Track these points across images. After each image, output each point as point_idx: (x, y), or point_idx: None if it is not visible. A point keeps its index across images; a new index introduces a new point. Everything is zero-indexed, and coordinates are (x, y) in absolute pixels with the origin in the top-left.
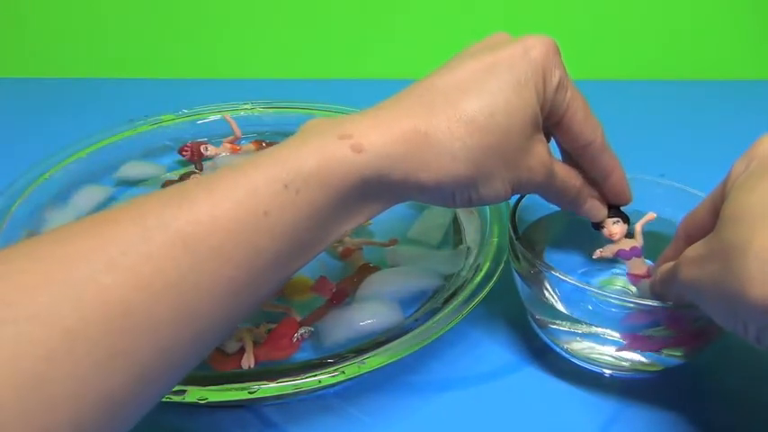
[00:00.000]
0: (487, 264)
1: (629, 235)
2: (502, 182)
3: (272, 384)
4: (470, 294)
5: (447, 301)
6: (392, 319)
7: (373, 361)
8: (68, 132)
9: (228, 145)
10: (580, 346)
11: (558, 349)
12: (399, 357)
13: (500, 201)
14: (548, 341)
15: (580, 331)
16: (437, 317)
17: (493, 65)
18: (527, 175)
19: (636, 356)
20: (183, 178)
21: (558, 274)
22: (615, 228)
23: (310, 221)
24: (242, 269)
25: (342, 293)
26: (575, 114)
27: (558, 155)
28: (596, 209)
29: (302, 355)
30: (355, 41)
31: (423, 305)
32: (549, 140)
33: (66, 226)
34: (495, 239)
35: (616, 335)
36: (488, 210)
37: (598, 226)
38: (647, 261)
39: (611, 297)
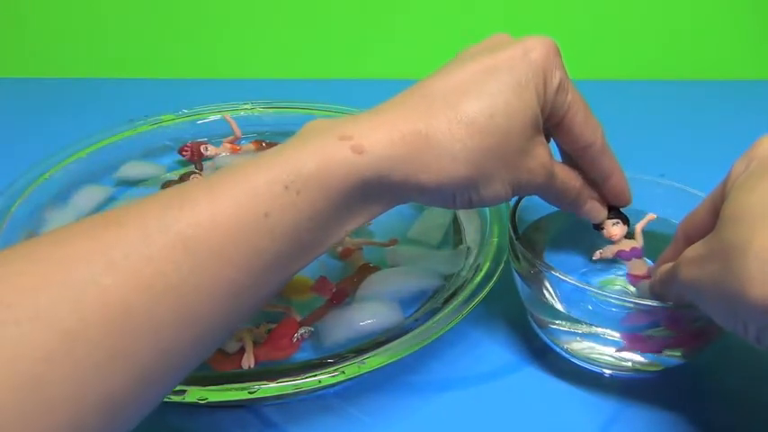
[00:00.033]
0: (487, 264)
1: (630, 236)
2: (502, 183)
3: (272, 384)
4: (470, 294)
5: (447, 301)
6: (392, 319)
7: (373, 361)
8: (68, 132)
9: (228, 145)
10: (580, 346)
11: (558, 349)
12: (399, 357)
13: (500, 202)
14: (548, 341)
15: (580, 331)
16: (437, 317)
17: (493, 66)
18: (527, 177)
19: (636, 356)
20: (183, 178)
21: (558, 275)
22: (615, 229)
23: (311, 223)
24: (242, 271)
25: (342, 293)
26: (575, 116)
27: (557, 156)
28: (596, 210)
29: (302, 355)
30: (355, 41)
31: (423, 305)
32: (548, 142)
33: (65, 227)
34: (495, 239)
35: (616, 335)
36: (488, 210)
37: (598, 227)
38: (647, 261)
39: (611, 297)
